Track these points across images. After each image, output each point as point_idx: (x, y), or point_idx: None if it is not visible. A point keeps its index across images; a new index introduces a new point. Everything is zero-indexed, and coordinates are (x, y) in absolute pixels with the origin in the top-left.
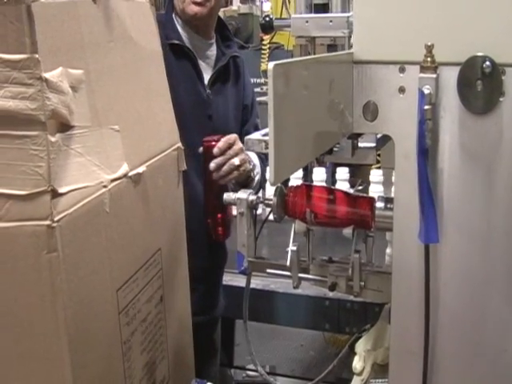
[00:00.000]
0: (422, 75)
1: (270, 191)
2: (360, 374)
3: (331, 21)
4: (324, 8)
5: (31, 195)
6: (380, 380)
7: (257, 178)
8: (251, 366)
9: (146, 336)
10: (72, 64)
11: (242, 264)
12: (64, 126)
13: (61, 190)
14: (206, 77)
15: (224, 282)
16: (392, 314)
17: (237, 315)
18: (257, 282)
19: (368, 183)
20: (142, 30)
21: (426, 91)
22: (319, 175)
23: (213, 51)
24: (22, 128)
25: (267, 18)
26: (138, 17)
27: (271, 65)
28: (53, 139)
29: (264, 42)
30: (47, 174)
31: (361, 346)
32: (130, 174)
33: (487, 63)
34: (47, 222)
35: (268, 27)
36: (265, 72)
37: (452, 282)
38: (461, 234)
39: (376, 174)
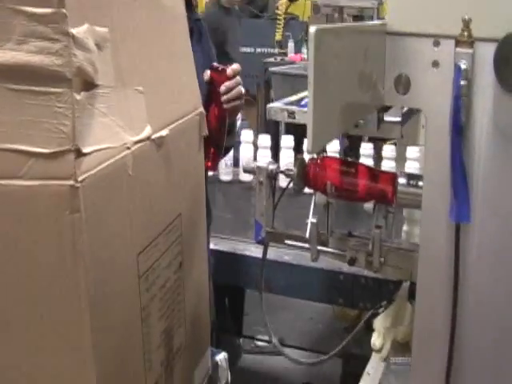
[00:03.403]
0: (459, 50)
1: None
2: (379, 351)
3: None
4: None
5: (55, 154)
6: (400, 358)
7: (238, 122)
8: (260, 336)
9: (164, 303)
10: (98, 21)
11: (259, 234)
12: (88, 85)
13: (85, 150)
14: None
15: (236, 251)
16: (417, 293)
17: (247, 285)
18: (269, 253)
19: (359, 156)
20: None
21: (463, 66)
22: (367, 150)
23: None
24: (46, 84)
25: None
26: None
27: (313, 29)
28: (78, 97)
29: (279, 12)
30: (72, 132)
31: (379, 323)
32: (153, 136)
33: None
34: (70, 182)
35: None
36: (279, 42)
37: (481, 264)
38: (493, 215)
39: (388, 150)
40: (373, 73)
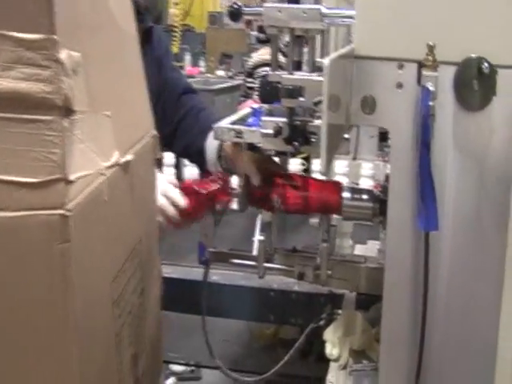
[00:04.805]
0: (425, 73)
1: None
2: (337, 360)
3: (305, 12)
4: None
5: (44, 183)
6: (360, 365)
7: None
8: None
9: (131, 328)
10: (72, 46)
11: (203, 254)
12: (68, 111)
13: (71, 178)
14: None
15: None
16: (384, 304)
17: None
18: (196, 274)
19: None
20: (122, 12)
21: (431, 88)
22: (341, 168)
23: None
24: (34, 112)
25: (235, 5)
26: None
27: (327, 61)
28: (66, 124)
29: (175, 24)
30: (62, 160)
31: (331, 334)
32: (120, 161)
33: (485, 64)
34: (61, 211)
35: (236, 15)
36: (176, 55)
37: (445, 273)
38: (454, 225)
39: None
40: (347, 94)
